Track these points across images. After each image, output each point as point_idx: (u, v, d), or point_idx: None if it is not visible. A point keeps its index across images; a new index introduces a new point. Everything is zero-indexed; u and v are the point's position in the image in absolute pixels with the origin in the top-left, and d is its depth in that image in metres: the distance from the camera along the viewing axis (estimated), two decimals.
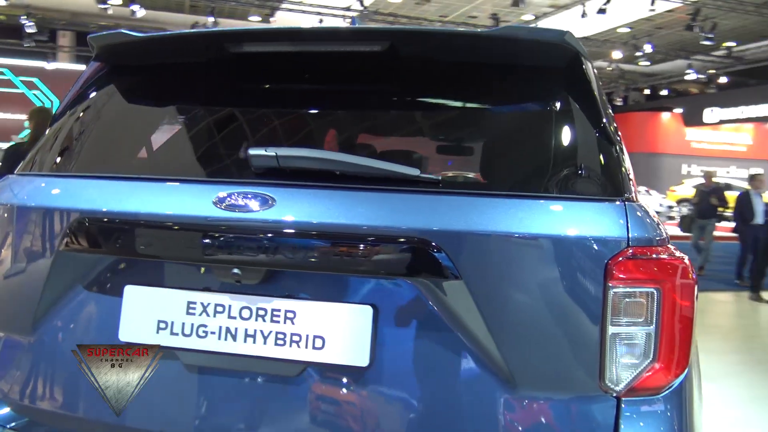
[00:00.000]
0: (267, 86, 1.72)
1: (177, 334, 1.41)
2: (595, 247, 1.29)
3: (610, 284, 1.27)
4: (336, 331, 1.34)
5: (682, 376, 1.33)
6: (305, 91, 1.69)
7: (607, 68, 25.84)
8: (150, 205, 1.44)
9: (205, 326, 1.40)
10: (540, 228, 1.30)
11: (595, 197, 1.37)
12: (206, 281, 1.44)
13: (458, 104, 1.65)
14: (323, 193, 1.38)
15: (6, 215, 1.59)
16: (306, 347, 1.34)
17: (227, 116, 1.69)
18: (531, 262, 1.30)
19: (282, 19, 19.95)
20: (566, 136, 1.47)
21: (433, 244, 1.29)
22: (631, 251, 1.29)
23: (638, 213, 1.36)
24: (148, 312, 1.44)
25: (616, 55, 23.71)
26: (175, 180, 1.51)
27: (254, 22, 23.18)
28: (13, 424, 1.54)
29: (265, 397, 1.42)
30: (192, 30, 1.74)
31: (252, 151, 1.41)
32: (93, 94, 1.75)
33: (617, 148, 1.46)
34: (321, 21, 19.30)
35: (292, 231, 1.34)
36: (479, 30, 1.55)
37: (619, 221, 1.31)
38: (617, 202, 1.36)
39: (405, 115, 1.68)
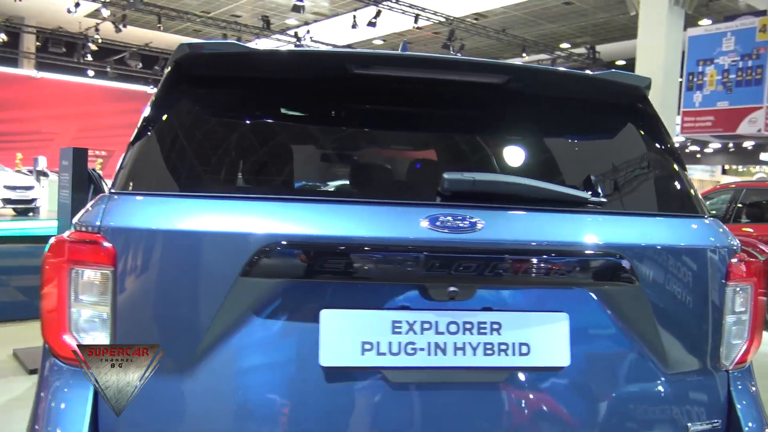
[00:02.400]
0: (425, 112, 1.76)
1: (384, 354, 1.41)
2: (720, 254, 1.64)
3: (729, 283, 1.64)
4: (540, 337, 1.48)
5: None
6: (463, 118, 1.79)
7: None
8: (357, 228, 1.42)
9: (414, 343, 1.42)
10: (688, 240, 1.63)
11: (703, 215, 1.72)
12: (404, 300, 1.46)
13: (594, 139, 1.87)
14: (518, 215, 1.52)
15: (170, 241, 1.41)
16: (513, 354, 1.46)
17: (400, 140, 1.70)
18: (684, 268, 1.59)
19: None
20: (672, 162, 1.79)
21: (622, 256, 1.52)
22: (736, 257, 1.67)
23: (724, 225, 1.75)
24: (350, 335, 1.41)
25: None
26: (366, 202, 1.49)
27: None
28: None
29: (474, 402, 1.49)
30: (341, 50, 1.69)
31: (448, 175, 1.48)
32: (212, 108, 1.62)
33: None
34: (78, 4, 17.41)
35: (507, 249, 1.45)
36: (606, 72, 1.80)
37: (724, 233, 1.69)
38: (714, 219, 1.73)
39: (549, 144, 1.84)
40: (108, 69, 24.30)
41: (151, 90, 26.55)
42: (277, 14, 20.79)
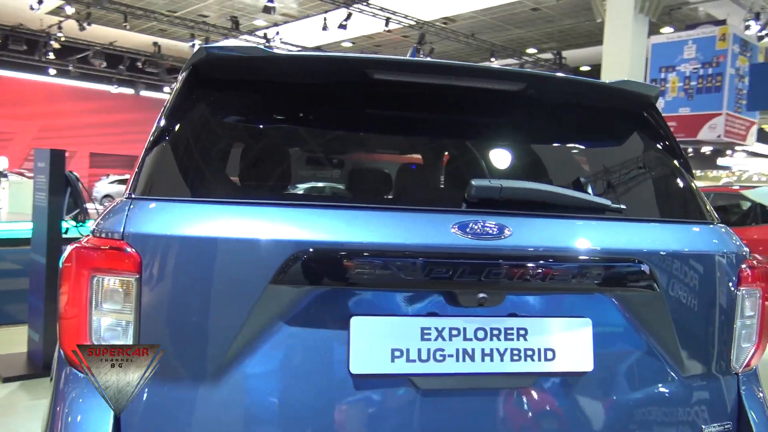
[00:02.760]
0: (452, 119, 1.77)
1: (414, 361, 1.41)
2: (731, 260, 1.69)
3: (740, 288, 1.70)
4: (565, 343, 1.51)
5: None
6: (481, 124, 1.81)
7: None
8: (389, 235, 1.42)
9: (443, 350, 1.43)
10: (704, 246, 1.67)
11: (713, 221, 1.77)
12: (432, 306, 1.47)
13: (608, 147, 1.90)
14: (544, 222, 1.54)
15: (197, 248, 1.38)
16: (539, 360, 1.48)
17: (423, 146, 1.71)
18: (700, 274, 1.64)
19: None
20: (682, 170, 1.84)
21: (644, 262, 1.55)
22: (746, 263, 1.72)
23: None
24: (380, 342, 1.41)
25: None
26: (396, 209, 1.50)
27: None
28: None
29: (501, 408, 1.51)
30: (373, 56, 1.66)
31: (476, 182, 1.49)
32: (237, 112, 1.60)
33: None
34: (41, 1, 16.95)
35: (535, 256, 1.47)
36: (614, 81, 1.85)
37: (735, 239, 1.74)
38: (723, 225, 1.78)
39: (565, 150, 1.87)
40: (71, 68, 23.74)
41: (116, 90, 26.06)
42: (246, 15, 20.59)
